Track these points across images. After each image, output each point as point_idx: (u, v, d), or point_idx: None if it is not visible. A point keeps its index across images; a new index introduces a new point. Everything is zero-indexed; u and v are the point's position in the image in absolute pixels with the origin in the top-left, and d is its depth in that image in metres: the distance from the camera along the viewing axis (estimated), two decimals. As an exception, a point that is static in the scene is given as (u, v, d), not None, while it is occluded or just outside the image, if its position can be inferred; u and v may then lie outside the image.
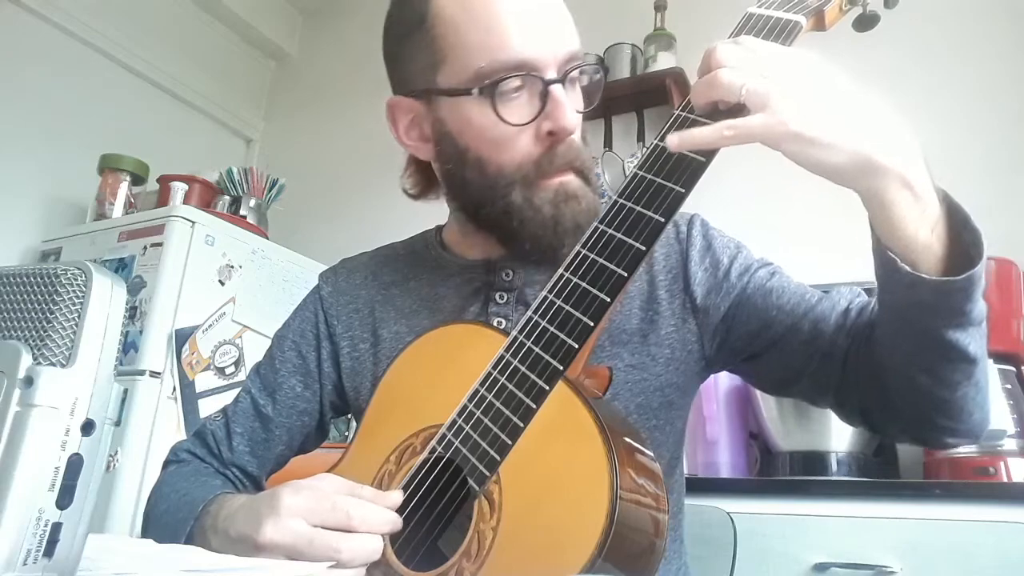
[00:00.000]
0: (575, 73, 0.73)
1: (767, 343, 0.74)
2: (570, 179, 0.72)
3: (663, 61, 2.20)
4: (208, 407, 1.91)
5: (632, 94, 2.21)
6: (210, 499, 0.67)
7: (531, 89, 0.70)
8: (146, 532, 0.75)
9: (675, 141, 0.56)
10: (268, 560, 0.55)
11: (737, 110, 0.56)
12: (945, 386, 0.61)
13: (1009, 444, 1.41)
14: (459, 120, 0.73)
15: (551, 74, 0.70)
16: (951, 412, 0.63)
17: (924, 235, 0.56)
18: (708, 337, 0.78)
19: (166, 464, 0.85)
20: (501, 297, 0.79)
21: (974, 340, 0.59)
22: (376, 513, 0.56)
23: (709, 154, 0.59)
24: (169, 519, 0.70)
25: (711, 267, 0.78)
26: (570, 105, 0.70)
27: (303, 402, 0.85)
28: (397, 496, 0.60)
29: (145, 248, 2.02)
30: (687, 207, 0.61)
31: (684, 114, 0.60)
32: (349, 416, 2.10)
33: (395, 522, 0.58)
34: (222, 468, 0.83)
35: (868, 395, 0.68)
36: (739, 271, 0.77)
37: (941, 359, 0.60)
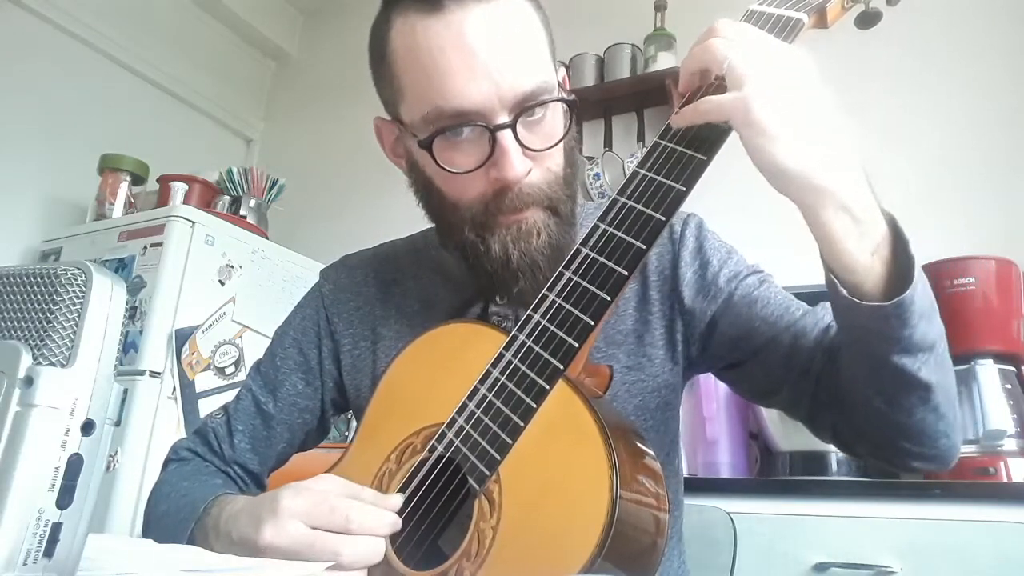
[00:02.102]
0: (529, 113, 0.67)
1: (748, 353, 0.74)
2: (527, 215, 0.69)
3: (663, 61, 2.20)
4: (208, 407, 1.91)
5: (632, 94, 2.21)
6: (211, 500, 0.67)
7: (480, 134, 0.66)
8: (147, 532, 0.75)
9: (675, 120, 0.60)
10: (268, 560, 0.54)
11: (720, 91, 0.58)
12: (900, 410, 0.61)
13: (1009, 444, 1.41)
14: (419, 154, 0.71)
15: (501, 118, 0.65)
16: (912, 437, 0.62)
17: (864, 258, 0.56)
18: (692, 339, 0.78)
19: (166, 463, 0.84)
20: (501, 298, 0.79)
21: (925, 365, 0.58)
22: (375, 516, 0.56)
23: (710, 152, 0.59)
24: (170, 520, 0.70)
25: (700, 269, 0.78)
26: (517, 152, 0.66)
27: (304, 399, 0.85)
28: (397, 499, 0.59)
29: (145, 248, 2.02)
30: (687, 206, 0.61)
31: (715, 82, 0.61)
32: (349, 416, 2.10)
33: (394, 524, 0.57)
34: (223, 466, 0.83)
35: (837, 414, 0.68)
36: (728, 276, 0.77)
37: (891, 383, 0.59)
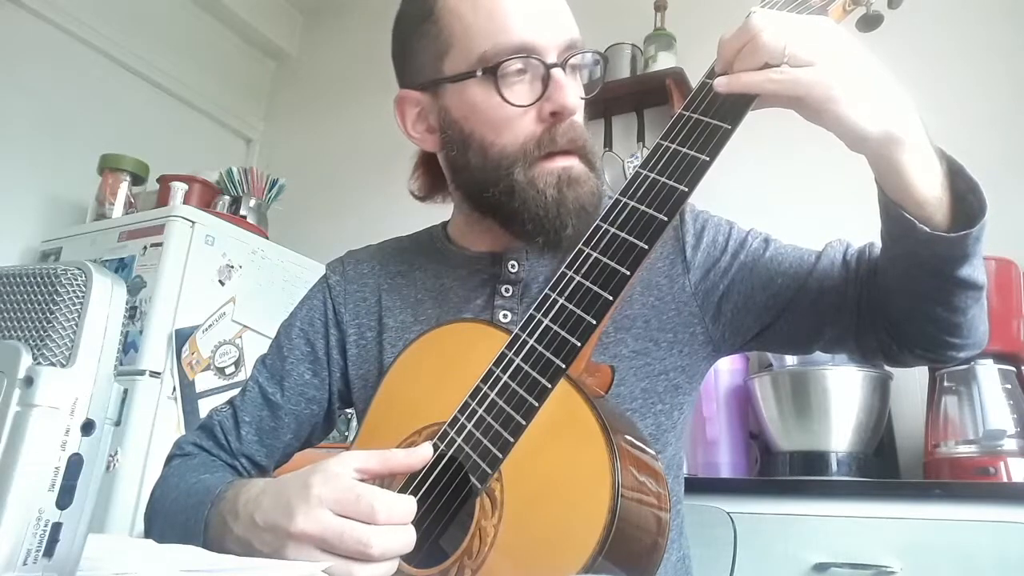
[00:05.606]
0: (576, 60, 0.75)
1: (778, 311, 0.76)
2: (573, 163, 0.73)
3: (663, 61, 2.20)
4: (208, 407, 1.91)
5: (632, 94, 2.21)
6: (226, 484, 0.66)
7: (533, 73, 0.72)
8: (153, 524, 0.75)
9: (723, 82, 0.60)
10: (267, 560, 0.54)
11: (745, 105, 0.60)
12: (959, 312, 0.66)
13: (1009, 444, 1.40)
14: (463, 106, 0.75)
15: (552, 59, 0.72)
16: (962, 332, 0.68)
17: (936, 191, 0.61)
18: (711, 318, 0.79)
19: (170, 458, 0.84)
20: (507, 290, 0.79)
21: (979, 270, 0.64)
22: (401, 504, 0.55)
23: (713, 153, 0.59)
24: (181, 506, 0.69)
25: (706, 248, 0.80)
26: (572, 86, 0.72)
27: (312, 389, 0.86)
28: (426, 450, 0.59)
29: (145, 248, 2.02)
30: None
31: (711, 82, 0.61)
32: (350, 415, 2.09)
33: (413, 511, 0.56)
34: (231, 459, 0.83)
35: (884, 333, 0.71)
36: (734, 248, 0.79)
37: (955, 292, 0.65)
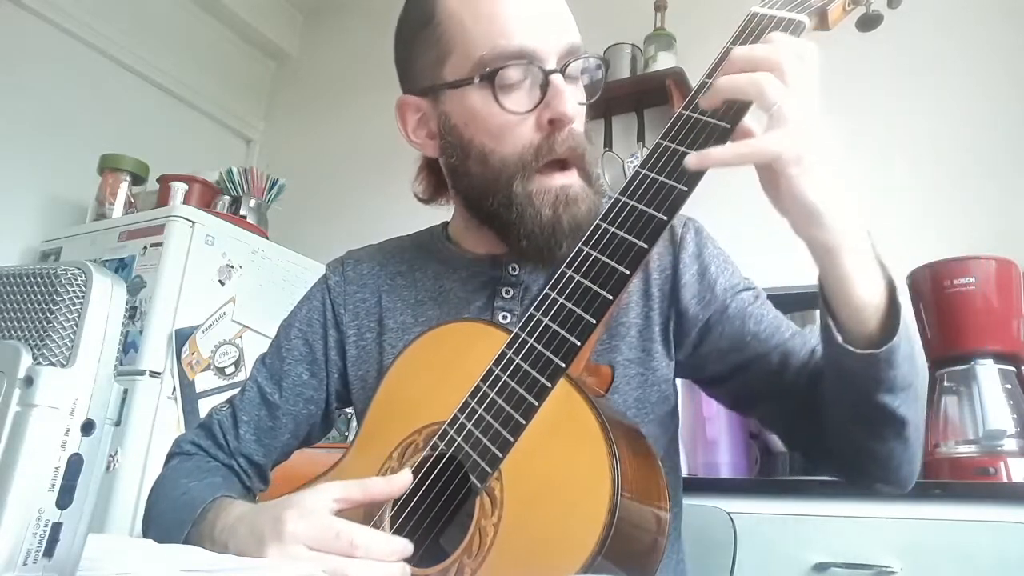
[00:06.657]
0: (576, 65, 0.73)
1: (735, 366, 0.75)
2: (572, 180, 0.72)
3: (663, 61, 2.20)
4: (208, 407, 1.90)
5: (632, 94, 2.21)
6: (208, 504, 0.66)
7: (532, 79, 0.71)
8: (146, 528, 0.75)
9: (694, 161, 0.58)
10: (267, 560, 0.54)
11: (743, 108, 0.59)
12: (875, 439, 0.65)
13: (1009, 444, 1.40)
14: (463, 113, 0.74)
15: (551, 65, 0.71)
16: (879, 462, 0.67)
17: (876, 299, 0.59)
18: (681, 342, 0.79)
19: (170, 457, 0.84)
20: (507, 292, 0.79)
21: (904, 403, 0.62)
22: (381, 542, 0.54)
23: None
24: (167, 519, 0.70)
25: (698, 274, 0.79)
26: (570, 94, 0.71)
27: (309, 390, 0.86)
28: (406, 476, 0.58)
29: (145, 248, 2.02)
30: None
31: (710, 82, 0.61)
32: (350, 415, 2.09)
33: (402, 551, 0.55)
34: (228, 459, 0.83)
35: (813, 433, 0.70)
36: (724, 286, 0.78)
37: (872, 417, 0.63)
